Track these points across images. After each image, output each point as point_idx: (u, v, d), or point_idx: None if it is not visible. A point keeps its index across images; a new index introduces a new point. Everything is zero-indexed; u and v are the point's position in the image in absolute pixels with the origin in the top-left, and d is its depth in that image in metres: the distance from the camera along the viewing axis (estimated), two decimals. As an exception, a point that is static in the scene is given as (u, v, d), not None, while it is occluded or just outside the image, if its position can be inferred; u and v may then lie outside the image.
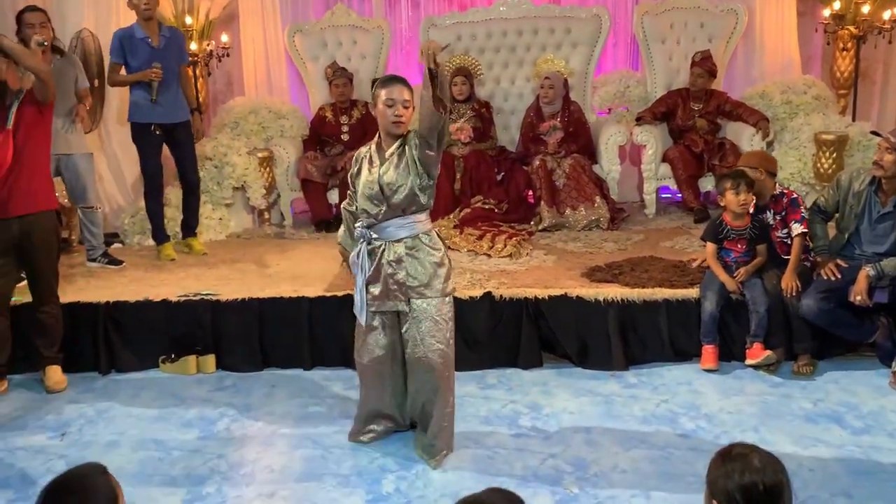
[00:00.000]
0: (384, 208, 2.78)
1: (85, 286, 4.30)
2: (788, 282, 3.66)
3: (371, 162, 2.83)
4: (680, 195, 5.68)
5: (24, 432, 3.34)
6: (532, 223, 5.30)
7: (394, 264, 2.80)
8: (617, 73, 6.34)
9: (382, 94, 2.77)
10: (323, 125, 5.84)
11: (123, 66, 4.65)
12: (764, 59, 6.20)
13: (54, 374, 3.75)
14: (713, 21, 6.03)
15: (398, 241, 2.81)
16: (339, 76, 5.83)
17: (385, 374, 3.00)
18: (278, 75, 6.48)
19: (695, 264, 4.10)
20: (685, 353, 3.86)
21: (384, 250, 2.82)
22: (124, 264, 4.71)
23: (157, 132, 4.70)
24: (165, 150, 4.86)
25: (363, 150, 2.93)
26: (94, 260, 4.72)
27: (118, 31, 4.76)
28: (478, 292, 3.91)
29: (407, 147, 2.77)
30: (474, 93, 5.80)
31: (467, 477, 2.84)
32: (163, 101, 4.64)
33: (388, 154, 2.80)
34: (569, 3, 6.35)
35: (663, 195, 6.11)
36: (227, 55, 6.37)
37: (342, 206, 3.10)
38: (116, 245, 5.27)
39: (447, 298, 2.87)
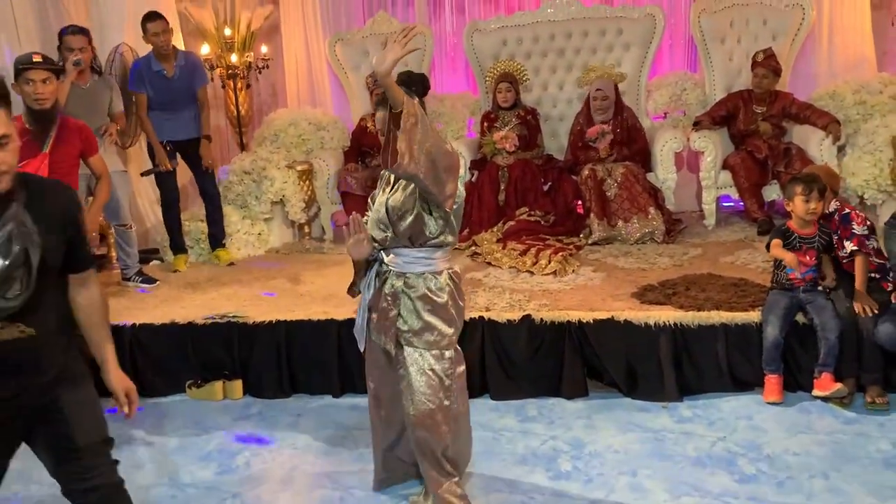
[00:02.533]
0: (389, 234, 2.46)
1: (115, 306, 4.20)
2: (860, 303, 3.28)
3: (387, 182, 2.54)
4: (742, 205, 5.28)
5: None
6: (581, 236, 5.01)
7: (390, 299, 2.46)
8: (673, 75, 5.99)
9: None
10: (364, 136, 5.66)
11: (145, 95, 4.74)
12: (834, 56, 5.76)
13: None
14: (777, 17, 5.62)
15: (400, 274, 2.46)
16: (379, 85, 5.63)
17: (382, 398, 2.65)
18: (320, 86, 6.37)
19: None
20: (746, 382, 3.51)
21: (387, 279, 2.48)
22: (158, 283, 4.62)
23: (169, 147, 4.75)
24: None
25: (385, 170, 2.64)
26: (128, 279, 4.65)
27: (136, 63, 4.80)
28: (517, 315, 3.64)
29: None
30: (520, 99, 5.55)
31: (497, 527, 2.58)
32: (177, 120, 4.73)
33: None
34: (621, 3, 6.04)
35: (725, 205, 5.72)
36: (267, 67, 6.28)
37: None
38: (155, 262, 5.21)
39: (446, 353, 2.50)
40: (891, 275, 3.43)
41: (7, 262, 1.78)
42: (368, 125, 5.64)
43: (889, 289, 3.40)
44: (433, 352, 2.46)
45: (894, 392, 3.33)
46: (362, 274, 2.55)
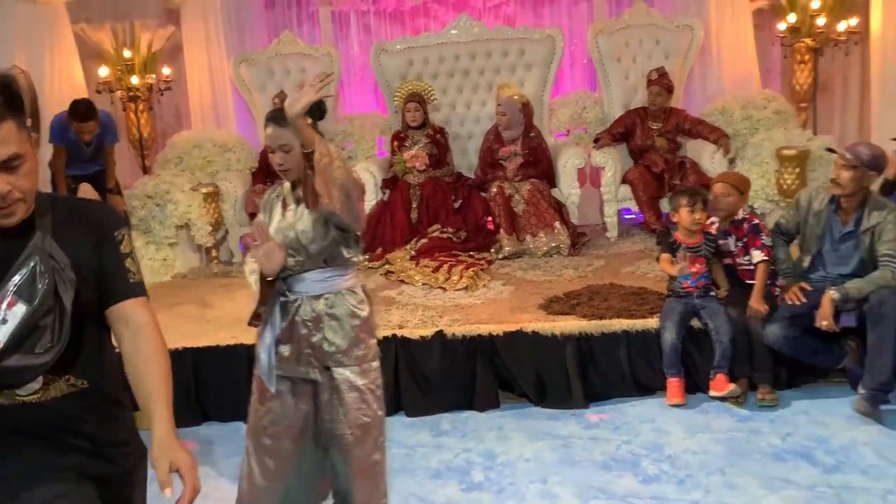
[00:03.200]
0: (302, 258, 2.38)
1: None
2: (755, 307, 3.49)
3: (285, 205, 2.44)
4: (641, 217, 5.52)
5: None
6: (492, 251, 5.11)
7: (310, 324, 2.38)
8: (574, 94, 6.21)
9: (265, 133, 2.42)
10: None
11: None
12: (722, 74, 6.10)
13: None
14: (668, 38, 5.92)
15: (317, 297, 2.39)
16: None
17: (290, 455, 2.46)
18: (225, 107, 6.28)
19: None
20: (649, 386, 3.66)
21: (300, 306, 2.39)
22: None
23: (72, 185, 4.84)
24: None
25: (271, 193, 2.53)
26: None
27: (59, 116, 4.75)
28: (429, 331, 3.69)
29: None
30: (428, 118, 5.62)
31: (412, 541, 2.61)
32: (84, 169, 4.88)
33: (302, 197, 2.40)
34: (522, 25, 6.23)
35: (626, 217, 5.95)
36: (169, 88, 6.16)
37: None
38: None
39: (374, 363, 2.47)
40: (778, 279, 3.67)
41: (33, 307, 1.44)
42: (277, 147, 5.59)
43: (776, 293, 3.63)
44: (364, 366, 2.43)
45: (782, 389, 3.55)
46: (273, 296, 2.43)
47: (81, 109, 4.60)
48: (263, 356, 2.42)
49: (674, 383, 3.54)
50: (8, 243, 1.49)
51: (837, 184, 3.33)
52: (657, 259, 3.73)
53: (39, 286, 1.45)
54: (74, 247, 1.53)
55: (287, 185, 2.44)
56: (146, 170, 6.12)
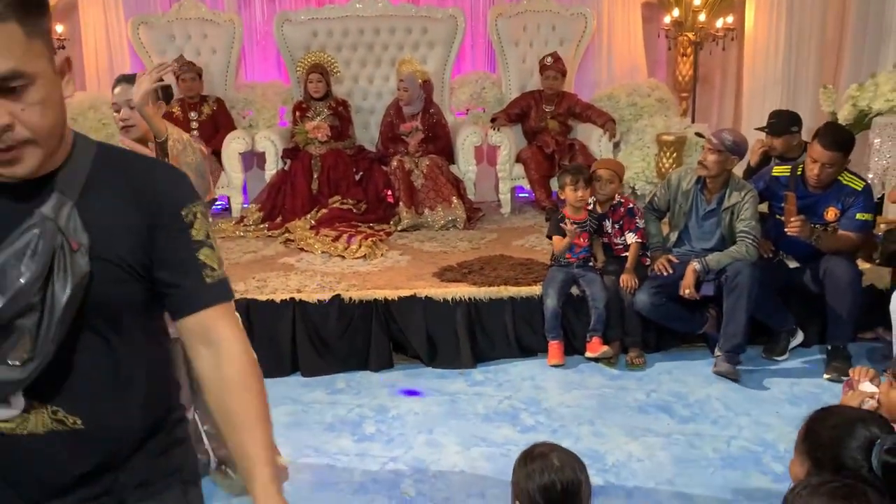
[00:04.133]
0: None
1: None
2: (627, 280, 3.81)
3: None
4: (533, 195, 5.82)
5: None
6: (391, 223, 5.28)
7: None
8: (474, 74, 6.42)
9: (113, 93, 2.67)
10: (170, 121, 5.54)
11: None
12: (612, 62, 6.46)
13: None
14: (564, 24, 6.21)
15: None
16: (186, 71, 5.58)
17: None
18: (122, 68, 6.09)
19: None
20: (532, 349, 3.94)
21: None
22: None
23: None
24: None
25: None
26: None
27: None
28: (326, 295, 3.84)
29: None
30: (331, 91, 5.71)
31: (304, 486, 2.77)
32: None
33: None
34: (426, 4, 6.38)
35: (520, 195, 6.25)
36: (63, 47, 5.96)
37: None
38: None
39: None
40: (648, 251, 4.02)
41: (4, 299, 1.01)
42: (174, 111, 5.55)
43: (647, 263, 3.98)
44: None
45: (651, 352, 3.91)
46: None
47: None
48: None
49: (554, 345, 3.83)
50: (13, 206, 1.06)
51: (704, 166, 3.68)
52: (547, 236, 4.02)
53: (24, 271, 1.02)
54: (110, 224, 1.10)
55: None
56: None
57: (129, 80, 2.63)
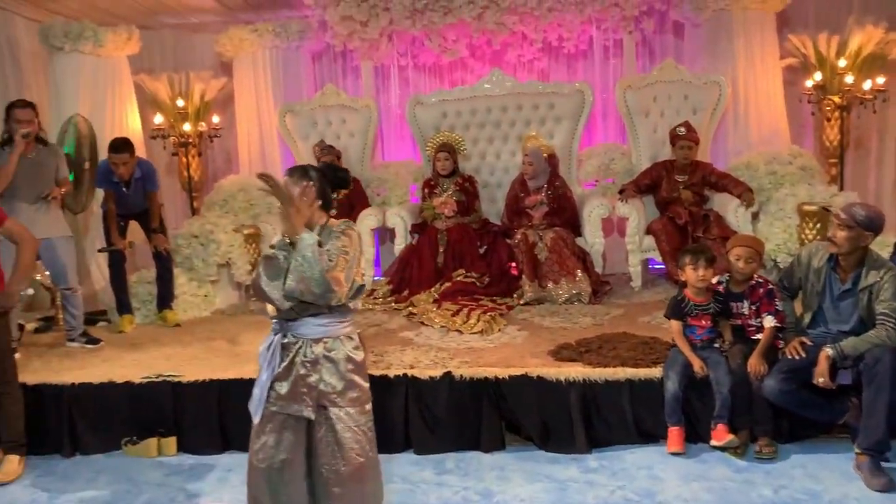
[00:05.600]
0: (296, 303, 2.53)
1: (58, 366, 4.35)
2: (755, 365, 3.54)
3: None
4: (666, 267, 5.62)
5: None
6: (514, 296, 5.28)
7: (308, 365, 2.57)
8: (602, 146, 6.39)
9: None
10: (310, 202, 5.93)
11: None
12: (749, 129, 6.21)
13: (6, 464, 3.71)
14: (696, 93, 6.07)
15: (317, 340, 2.58)
16: (326, 153, 5.97)
17: (284, 484, 2.62)
18: (271, 153, 6.66)
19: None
20: (651, 434, 3.74)
21: (300, 348, 2.59)
22: (102, 343, 4.78)
23: (122, 223, 5.18)
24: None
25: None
26: (72, 340, 4.80)
27: (103, 161, 5.13)
28: (438, 372, 3.87)
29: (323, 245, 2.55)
30: (458, 167, 5.88)
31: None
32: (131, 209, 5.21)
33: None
34: (554, 80, 6.47)
35: (655, 267, 6.06)
36: (219, 136, 6.58)
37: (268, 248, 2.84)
38: (102, 323, 5.37)
39: (367, 406, 2.64)
40: (781, 334, 3.73)
41: None
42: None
43: (780, 346, 3.69)
44: (357, 408, 2.61)
45: (784, 442, 3.59)
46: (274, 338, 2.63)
47: (117, 142, 4.99)
48: (256, 391, 2.65)
49: (674, 432, 3.62)
50: None
51: (833, 242, 3.41)
52: (665, 316, 3.86)
53: None
54: None
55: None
56: (195, 211, 6.51)
57: (292, 173, 2.65)
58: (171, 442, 3.94)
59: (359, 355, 2.64)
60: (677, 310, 3.77)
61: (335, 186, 2.74)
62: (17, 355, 4.06)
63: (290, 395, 2.60)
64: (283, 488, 2.63)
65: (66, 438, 3.99)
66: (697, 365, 3.64)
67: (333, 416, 2.58)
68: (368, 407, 2.67)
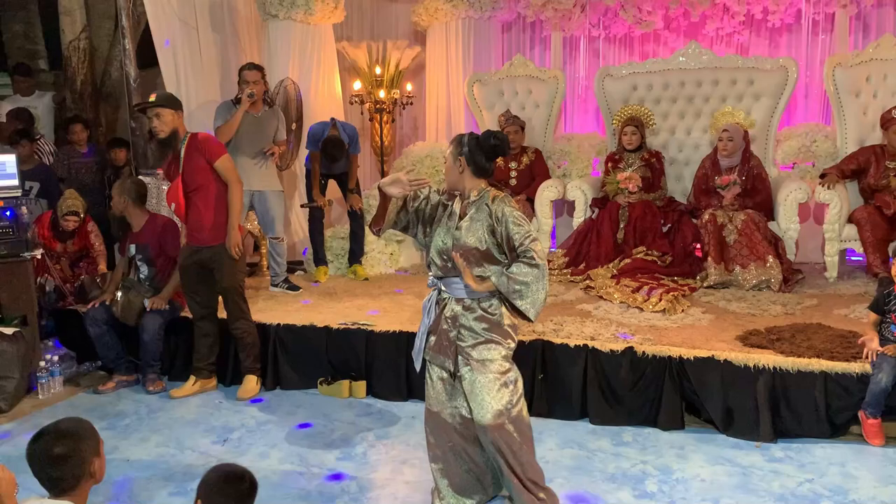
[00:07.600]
0: (450, 265, 2.73)
1: (264, 308, 4.79)
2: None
3: (451, 216, 2.78)
4: (865, 259, 5.24)
5: (196, 433, 3.80)
6: (697, 278, 5.14)
7: (449, 321, 2.75)
8: (803, 126, 6.02)
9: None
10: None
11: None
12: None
13: (246, 382, 4.25)
14: (919, 73, 5.54)
15: (459, 299, 2.74)
16: (510, 123, 6.05)
17: (447, 433, 2.86)
18: (457, 122, 6.84)
19: (860, 340, 3.73)
20: (845, 432, 3.56)
21: (447, 304, 2.78)
22: (301, 290, 5.19)
23: (323, 181, 5.52)
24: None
25: (449, 202, 2.84)
26: (276, 285, 5.25)
27: (314, 126, 5.48)
28: (619, 346, 3.87)
29: (493, 216, 2.67)
30: (645, 142, 5.76)
31: (579, 531, 2.83)
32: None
33: (466, 212, 2.74)
34: (754, 55, 6.15)
35: (853, 258, 5.67)
36: (411, 103, 6.83)
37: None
38: (299, 272, 5.82)
39: (506, 364, 2.72)
40: None
41: None
42: (498, 161, 6.04)
43: None
44: (494, 364, 2.70)
45: None
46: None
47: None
48: (417, 341, 2.88)
49: (873, 424, 3.43)
50: None
51: None
52: (870, 308, 3.62)
53: None
54: None
55: (459, 198, 2.79)
56: (383, 174, 6.84)
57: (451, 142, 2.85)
58: (362, 386, 4.24)
59: (495, 315, 2.72)
60: (880, 304, 3.53)
61: (490, 155, 2.76)
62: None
63: (437, 347, 2.81)
64: (445, 431, 2.86)
65: (269, 373, 4.40)
66: (892, 349, 3.40)
67: (474, 368, 2.70)
68: (508, 364, 2.74)
